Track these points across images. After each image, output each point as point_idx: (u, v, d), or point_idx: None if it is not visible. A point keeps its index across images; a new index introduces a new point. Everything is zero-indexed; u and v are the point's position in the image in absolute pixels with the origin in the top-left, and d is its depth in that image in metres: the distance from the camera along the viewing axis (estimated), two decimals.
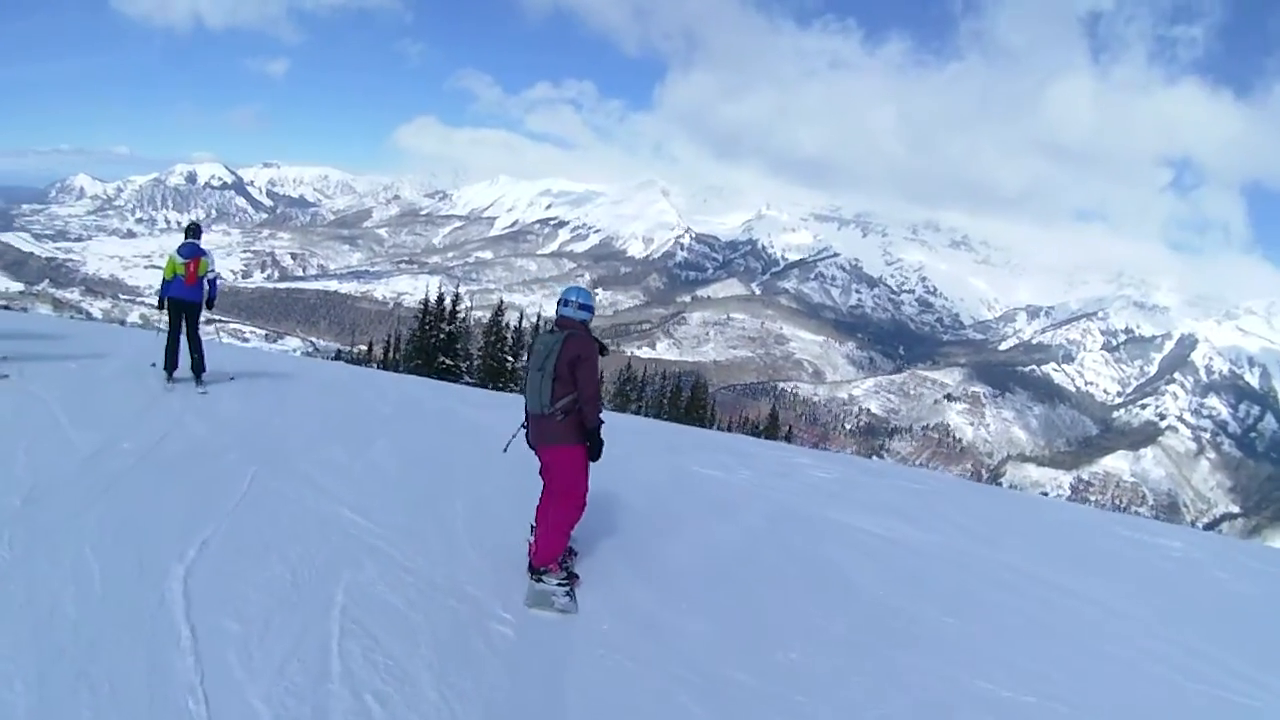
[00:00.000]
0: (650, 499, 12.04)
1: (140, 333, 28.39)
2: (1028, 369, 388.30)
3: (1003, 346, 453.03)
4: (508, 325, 57.86)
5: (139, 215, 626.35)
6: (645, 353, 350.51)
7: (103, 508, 7.94)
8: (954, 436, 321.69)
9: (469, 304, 55.29)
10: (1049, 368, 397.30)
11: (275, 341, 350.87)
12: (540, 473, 8.09)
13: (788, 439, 77.34)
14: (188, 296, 15.48)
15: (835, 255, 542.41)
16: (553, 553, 7.87)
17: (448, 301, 54.55)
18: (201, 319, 15.92)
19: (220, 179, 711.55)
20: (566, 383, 7.49)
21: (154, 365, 15.77)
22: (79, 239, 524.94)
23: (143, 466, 9.59)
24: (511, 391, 50.13)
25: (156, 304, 16.16)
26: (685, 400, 71.34)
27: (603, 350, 7.77)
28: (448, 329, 53.28)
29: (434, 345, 53.07)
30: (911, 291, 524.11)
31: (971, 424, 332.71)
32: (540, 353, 7.64)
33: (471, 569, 7.99)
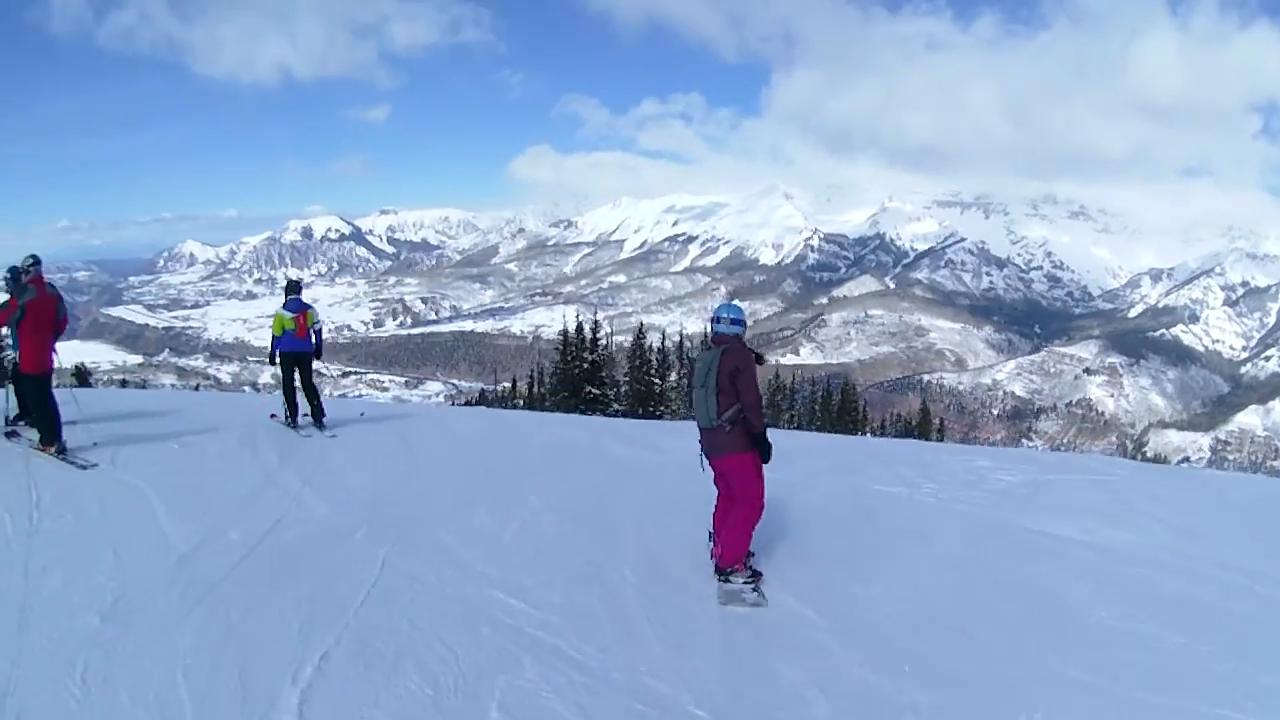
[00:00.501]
0: (837, 531, 10.93)
1: (258, 398, 27.02)
2: (1157, 333, 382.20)
3: (1131, 314, 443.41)
4: (650, 347, 56.43)
5: (257, 276, 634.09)
6: (789, 359, 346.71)
7: (199, 619, 6.93)
8: (1096, 410, 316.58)
9: (609, 330, 53.89)
10: (1177, 330, 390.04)
11: (415, 387, 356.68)
12: (714, 481, 8.85)
13: (940, 434, 78.24)
14: (300, 348, 16.76)
15: (962, 240, 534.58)
16: (738, 554, 8.45)
17: (587, 330, 52.85)
18: (313, 367, 17.23)
19: (338, 231, 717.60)
20: (729, 394, 8.11)
21: (273, 416, 16.73)
22: (196, 305, 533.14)
23: (251, 562, 8.39)
24: (663, 417, 49.48)
25: (269, 360, 17.16)
26: (836, 405, 69.68)
27: (759, 359, 8.51)
28: (590, 358, 51.53)
29: (578, 376, 51.40)
30: (1039, 268, 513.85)
31: (1111, 395, 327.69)
32: (701, 370, 8.35)
33: (652, 656, 6.88)
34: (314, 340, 17.04)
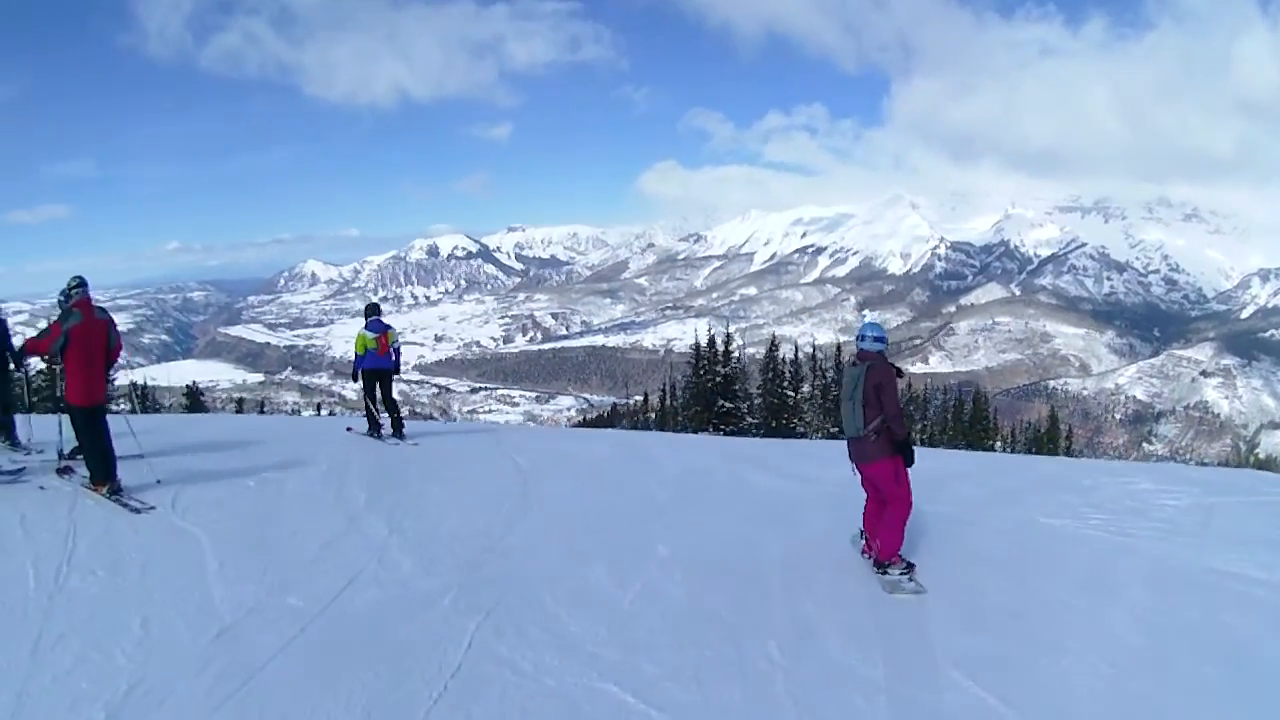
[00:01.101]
0: (1012, 580, 9.60)
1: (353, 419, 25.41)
2: (1268, 334, 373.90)
3: (1244, 315, 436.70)
4: (784, 359, 55.38)
5: (382, 294, 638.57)
6: (919, 368, 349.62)
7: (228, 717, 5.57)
8: (1212, 413, 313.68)
9: (741, 342, 52.88)
10: None
11: (547, 402, 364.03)
12: (863, 485, 9.61)
13: (1068, 441, 76.42)
14: (383, 365, 18.08)
15: (1083, 245, 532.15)
16: (894, 548, 9.17)
17: (719, 343, 51.71)
18: (393, 382, 18.48)
19: (464, 249, 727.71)
20: (874, 406, 8.89)
21: (349, 430, 18.19)
22: (319, 324, 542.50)
23: (306, 638, 6.90)
24: (798, 431, 49.82)
25: (352, 377, 18.74)
26: (968, 415, 67.98)
27: (899, 373, 9.36)
28: (723, 371, 50.43)
29: (711, 389, 50.44)
30: (1157, 271, 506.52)
31: (1226, 397, 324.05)
32: (848, 385, 9.25)
33: None
34: (394, 357, 18.46)
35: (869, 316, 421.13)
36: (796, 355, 56.83)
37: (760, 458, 17.53)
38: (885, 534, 9.14)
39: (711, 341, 51.29)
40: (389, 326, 18.34)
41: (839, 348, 58.83)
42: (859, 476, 9.50)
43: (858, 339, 9.43)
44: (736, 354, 51.24)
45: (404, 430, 17.88)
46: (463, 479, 13.29)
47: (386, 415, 17.93)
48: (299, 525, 9.87)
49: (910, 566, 9.18)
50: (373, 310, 18.89)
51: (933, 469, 14.30)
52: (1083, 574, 9.77)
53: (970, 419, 66.79)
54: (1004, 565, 10.03)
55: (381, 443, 16.99)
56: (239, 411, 71.76)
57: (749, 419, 50.14)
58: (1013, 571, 9.83)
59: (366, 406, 18.09)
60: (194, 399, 58.05)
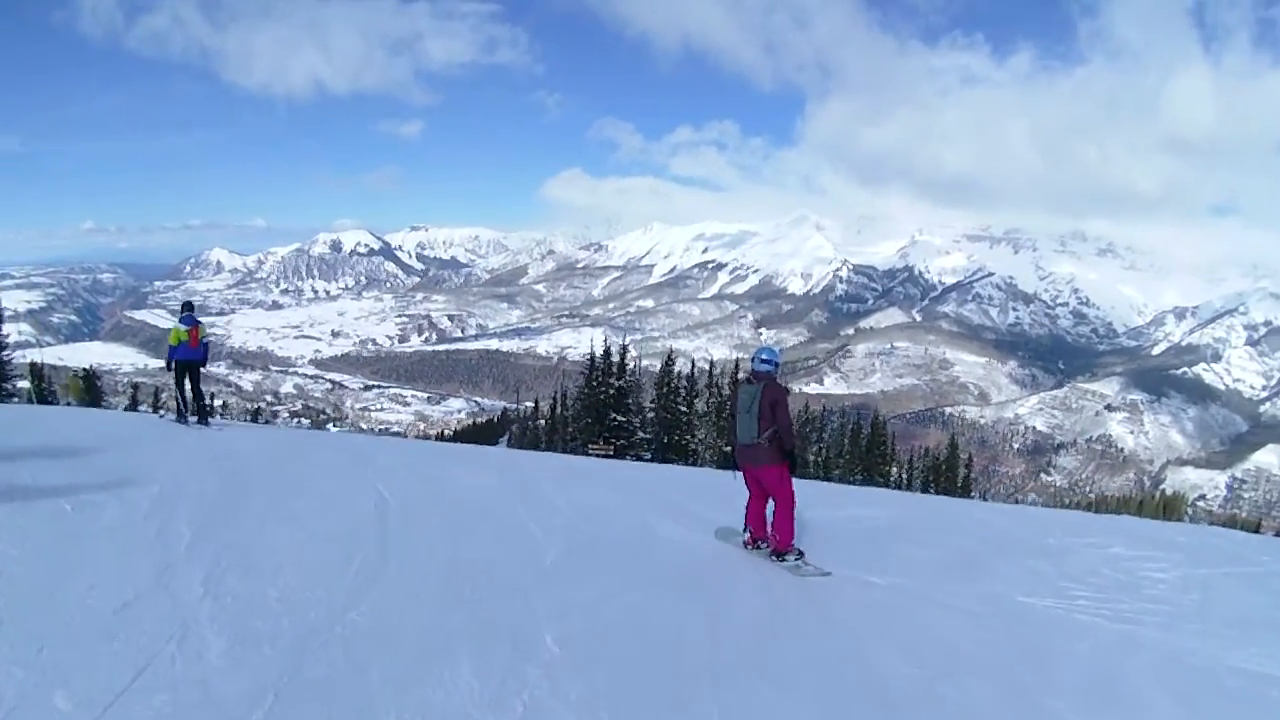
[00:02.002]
0: (1007, 692, 7.24)
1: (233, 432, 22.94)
2: (1179, 371, 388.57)
3: (1155, 351, 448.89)
4: (679, 374, 55.19)
5: (284, 286, 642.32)
6: (813, 388, 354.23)
7: None
8: (1116, 446, 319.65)
9: (636, 355, 52.15)
10: (1199, 368, 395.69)
11: (438, 403, 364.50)
12: (746, 483, 10.99)
13: (968, 469, 77.46)
14: (193, 356, 20.65)
15: (990, 275, 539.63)
16: (789, 539, 10.51)
17: (614, 355, 51.90)
18: (201, 373, 21.04)
19: (367, 245, 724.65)
20: (768, 419, 10.30)
21: (161, 415, 21.88)
22: (221, 313, 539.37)
23: None
24: (691, 450, 50.16)
25: (166, 365, 21.05)
26: (865, 439, 68.21)
27: (787, 392, 10.90)
28: (617, 384, 50.90)
29: (604, 402, 50.63)
30: (1065, 304, 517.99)
31: (1131, 432, 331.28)
32: (745, 399, 10.54)
33: None
34: (203, 351, 20.93)
35: (765, 339, 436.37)
36: (693, 370, 57.02)
37: (664, 498, 15.28)
38: (780, 528, 10.51)
39: (607, 353, 51.69)
40: (199, 322, 20.95)
41: (737, 364, 58.06)
42: (741, 478, 11.03)
43: (754, 361, 10.91)
44: (632, 367, 51.82)
45: (210, 420, 20.92)
46: (313, 513, 10.45)
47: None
48: (102, 574, 7.41)
49: (801, 553, 10.54)
50: (187, 307, 21.73)
51: (870, 521, 14.01)
52: (1089, 679, 7.91)
53: (868, 444, 67.16)
54: (990, 668, 7.85)
55: (189, 429, 18.82)
56: (132, 402, 68.62)
57: (640, 433, 50.51)
58: (1002, 676, 7.67)
59: (178, 393, 20.50)
60: (90, 384, 55.60)
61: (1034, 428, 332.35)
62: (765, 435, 10.26)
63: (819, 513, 13.83)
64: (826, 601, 9.00)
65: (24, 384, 49.70)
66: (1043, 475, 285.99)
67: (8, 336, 44.27)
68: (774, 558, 10.47)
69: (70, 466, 11.75)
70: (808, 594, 9.17)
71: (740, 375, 51.68)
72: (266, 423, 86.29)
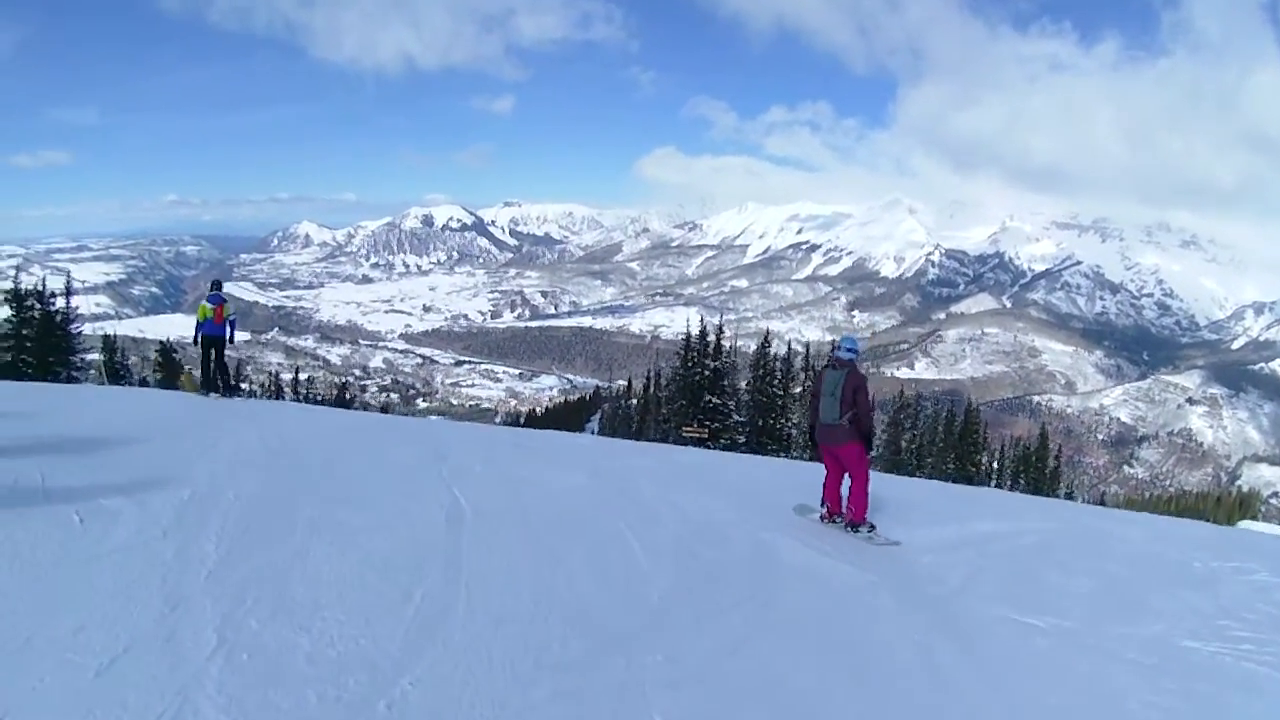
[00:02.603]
0: None
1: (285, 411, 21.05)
2: (1257, 367, 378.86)
3: (1234, 345, 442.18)
4: (775, 356, 53.29)
5: (374, 260, 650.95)
6: (904, 373, 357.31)
7: None
8: (1196, 440, 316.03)
9: (731, 336, 50.66)
10: (1276, 364, 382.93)
11: (530, 380, 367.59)
12: (825, 462, 11.91)
13: (1057, 460, 75.76)
14: (217, 332, 21.61)
15: (1078, 263, 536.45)
16: (864, 511, 11.40)
17: (711, 336, 50.43)
18: (227, 350, 22.10)
19: (459, 220, 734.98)
20: (849, 403, 11.11)
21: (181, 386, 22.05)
22: (309, 286, 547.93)
23: None
24: (787, 435, 49.87)
25: (192, 340, 22.17)
26: (959, 427, 66.24)
27: (865, 378, 11.67)
28: (713, 365, 49.53)
29: (699, 384, 49.40)
30: (1150, 295, 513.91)
31: (1211, 426, 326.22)
32: (830, 384, 11.32)
33: None
34: (228, 329, 21.95)
35: (858, 322, 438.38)
36: (789, 353, 55.19)
37: (781, 507, 12.89)
38: (856, 502, 11.39)
39: (703, 333, 51.09)
40: (225, 300, 22.13)
41: (833, 346, 56.01)
42: (821, 454, 11.91)
43: (836, 349, 11.74)
44: (729, 348, 50.24)
45: (235, 393, 22.67)
46: (370, 528, 8.47)
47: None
48: (97, 612, 5.79)
49: (873, 526, 11.44)
50: (215, 286, 23.04)
51: (1011, 538, 12.69)
52: None
53: (960, 433, 65.43)
54: None
55: (214, 401, 20.15)
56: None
57: (735, 416, 50.11)
58: None
59: (202, 367, 22.06)
60: (168, 358, 54.56)
61: (1118, 419, 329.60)
62: (846, 417, 11.14)
63: (953, 529, 12.75)
64: (988, 655, 7.27)
65: (94, 356, 48.70)
66: (1125, 467, 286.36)
67: (77, 309, 42.83)
68: (849, 529, 11.49)
69: (92, 463, 10.00)
70: (964, 643, 7.42)
71: (822, 362, 52.32)
72: (319, 401, 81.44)
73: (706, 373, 49.25)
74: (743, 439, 49.54)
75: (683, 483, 14.18)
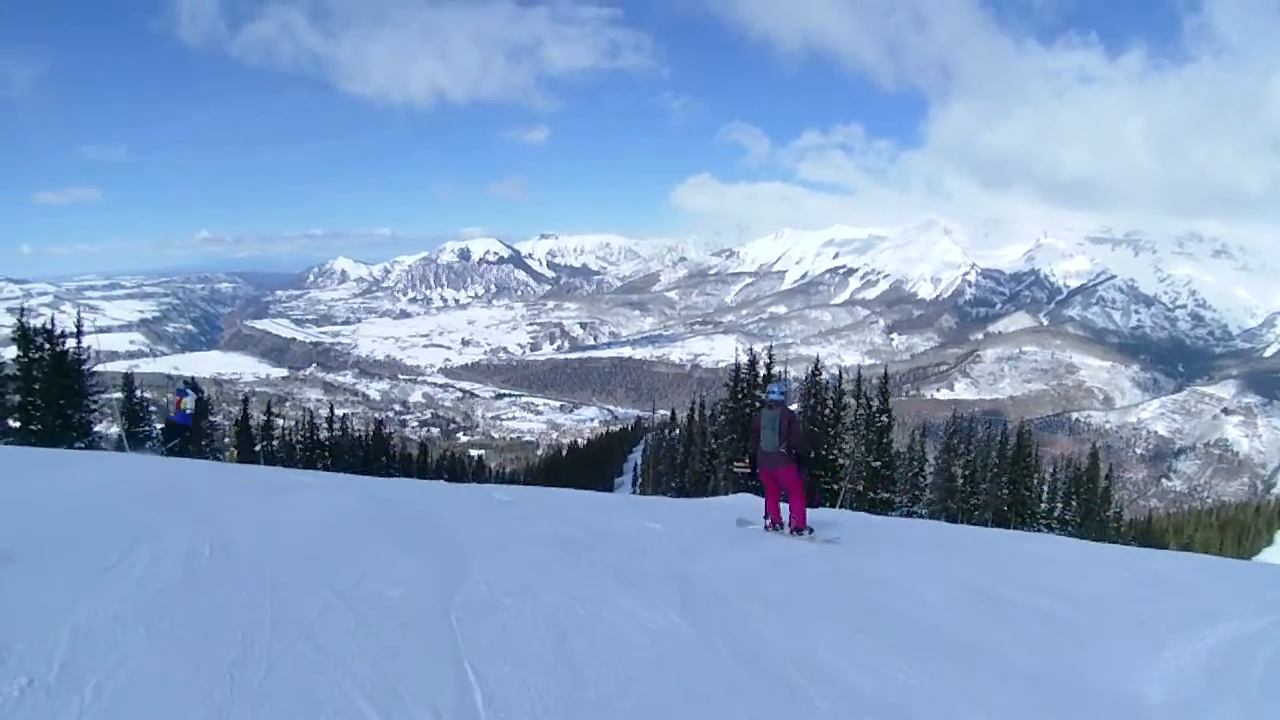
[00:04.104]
0: None
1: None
2: None
3: (1267, 354, 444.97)
4: (825, 384, 50.85)
5: (411, 295, 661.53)
6: (944, 394, 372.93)
7: None
8: (1232, 450, 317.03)
9: (784, 364, 48.52)
10: None
11: (571, 411, 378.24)
12: (764, 481, 14.19)
13: (1108, 480, 75.81)
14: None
15: (1112, 277, 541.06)
16: (804, 518, 13.79)
17: (761, 365, 48.99)
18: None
19: (496, 253, 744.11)
20: (785, 434, 13.52)
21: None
22: (347, 322, 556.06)
23: None
24: (839, 466, 47.18)
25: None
26: (1012, 450, 63.36)
27: (795, 414, 14.46)
28: (763, 396, 44.75)
29: (749, 415, 45.49)
30: (1184, 306, 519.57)
31: (1246, 436, 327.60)
32: (767, 420, 13.77)
33: None
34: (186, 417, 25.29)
35: (896, 344, 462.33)
36: (840, 379, 52.38)
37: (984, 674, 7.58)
38: (797, 511, 13.81)
39: (752, 363, 49.59)
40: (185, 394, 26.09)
41: (886, 374, 54.10)
42: (762, 478, 14.17)
43: (769, 394, 14.37)
44: (779, 377, 46.66)
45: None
46: None
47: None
48: None
49: (812, 529, 13.85)
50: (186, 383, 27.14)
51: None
52: None
53: (1014, 456, 62.93)
54: None
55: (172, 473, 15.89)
56: (242, 426, 62.10)
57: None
58: None
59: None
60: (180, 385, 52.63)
61: (1155, 432, 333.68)
62: (783, 445, 13.50)
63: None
64: None
65: (113, 396, 48.13)
66: (1164, 480, 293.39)
67: (89, 348, 40.45)
68: (793, 534, 13.73)
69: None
70: None
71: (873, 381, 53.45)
72: (356, 440, 74.61)
73: (757, 404, 45.39)
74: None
75: (816, 617, 8.63)
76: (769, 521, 14.30)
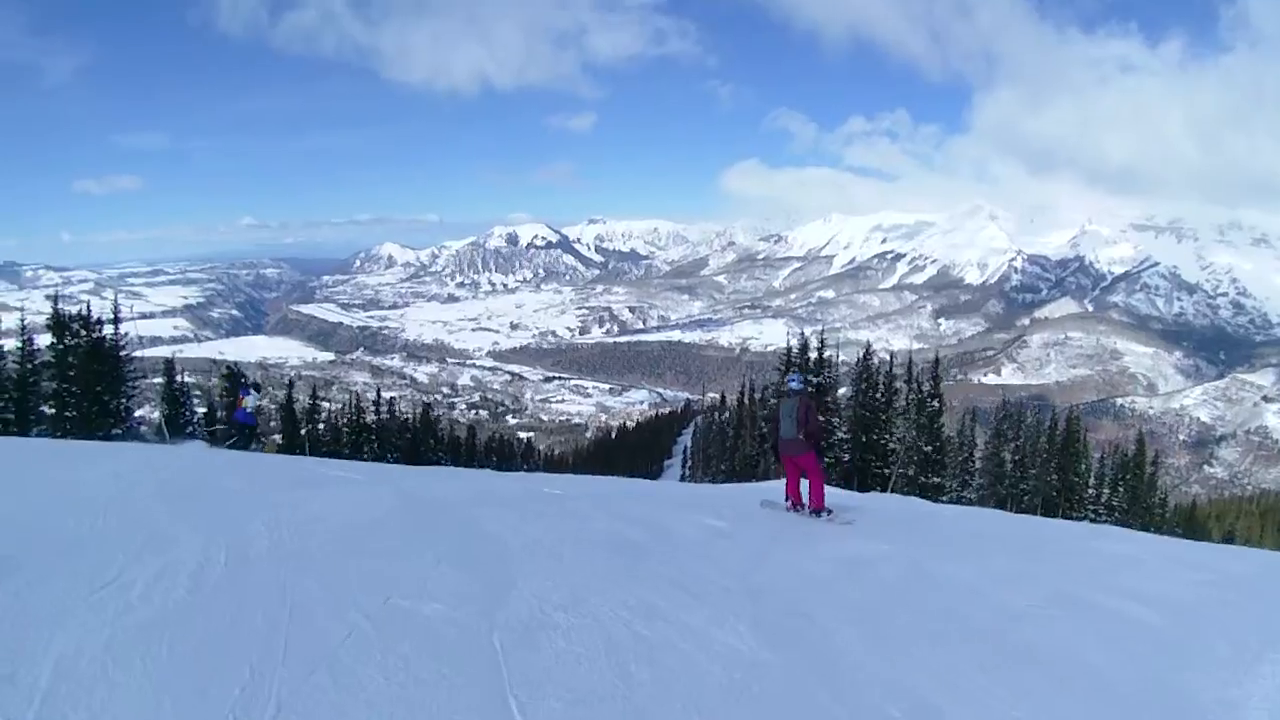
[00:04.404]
0: None
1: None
2: None
3: None
4: (877, 368, 50.41)
5: (459, 279, 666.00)
6: (991, 379, 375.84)
7: None
8: (1272, 438, 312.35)
9: (837, 348, 47.85)
10: None
11: (620, 394, 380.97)
12: (786, 468, 14.67)
13: (1154, 466, 74.39)
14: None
15: (1156, 265, 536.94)
16: (822, 499, 14.14)
17: (813, 349, 48.13)
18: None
19: (544, 239, 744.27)
20: (803, 422, 13.93)
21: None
22: (394, 306, 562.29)
23: None
24: (891, 450, 47.19)
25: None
26: (1061, 436, 63.83)
27: (813, 401, 16.08)
28: (817, 380, 46.11)
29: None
30: (1225, 294, 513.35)
31: None
32: (786, 409, 14.28)
33: None
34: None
35: (944, 329, 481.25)
36: (891, 364, 51.62)
37: None
38: (816, 494, 14.17)
39: (804, 346, 48.76)
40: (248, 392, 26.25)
41: (937, 359, 53.80)
42: (783, 463, 14.69)
43: (789, 381, 14.98)
44: (830, 363, 48.58)
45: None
46: None
47: None
48: None
49: (830, 510, 14.12)
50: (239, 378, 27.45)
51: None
52: None
53: (1063, 442, 63.57)
54: None
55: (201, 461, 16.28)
56: (279, 413, 61.15)
57: (840, 433, 47.06)
58: None
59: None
60: (234, 380, 51.02)
61: (1197, 419, 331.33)
62: (802, 432, 13.93)
63: None
64: None
65: (155, 381, 48.50)
66: (1205, 467, 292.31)
67: (126, 335, 40.29)
68: (813, 515, 14.08)
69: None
70: None
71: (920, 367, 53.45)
72: (403, 423, 71.23)
73: (810, 389, 44.05)
74: (846, 458, 46.65)
75: (908, 626, 7.95)
76: (790, 503, 14.91)
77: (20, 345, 37.57)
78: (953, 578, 10.37)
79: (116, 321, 39.87)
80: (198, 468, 14.31)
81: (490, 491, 14.03)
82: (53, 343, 37.78)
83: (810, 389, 18.44)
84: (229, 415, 29.24)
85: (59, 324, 37.73)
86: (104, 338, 39.12)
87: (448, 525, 9.94)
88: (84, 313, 38.86)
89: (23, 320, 37.64)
